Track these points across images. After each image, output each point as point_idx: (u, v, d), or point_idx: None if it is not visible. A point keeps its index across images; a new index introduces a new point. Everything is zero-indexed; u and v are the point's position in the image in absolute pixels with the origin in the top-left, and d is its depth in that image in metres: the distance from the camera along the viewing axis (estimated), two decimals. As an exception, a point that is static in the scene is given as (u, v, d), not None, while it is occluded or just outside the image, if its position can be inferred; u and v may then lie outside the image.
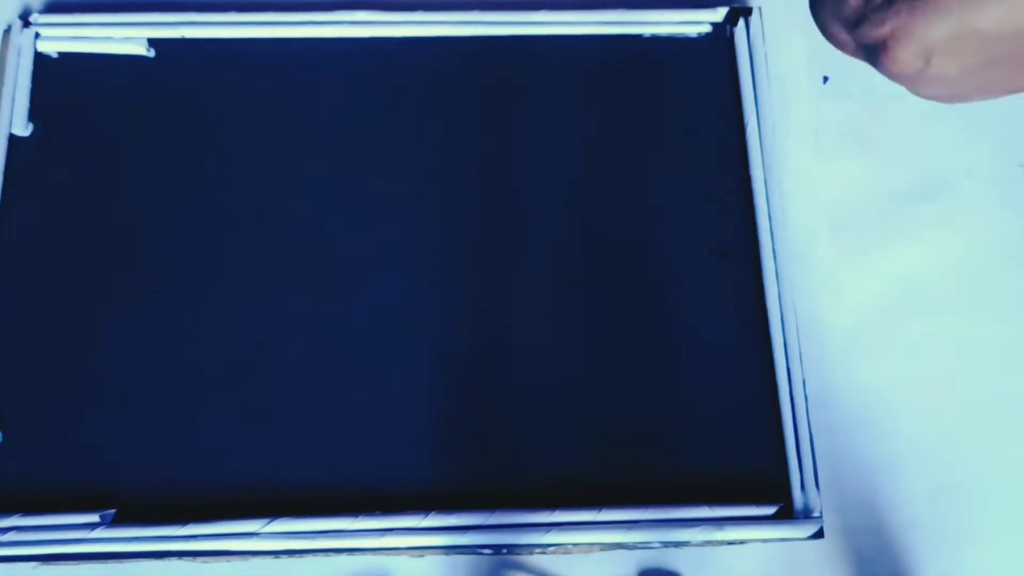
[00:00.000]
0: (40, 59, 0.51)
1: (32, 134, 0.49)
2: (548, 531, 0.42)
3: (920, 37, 0.33)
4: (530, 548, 0.43)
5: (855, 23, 0.35)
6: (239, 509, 0.43)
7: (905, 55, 0.33)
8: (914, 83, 0.35)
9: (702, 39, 0.52)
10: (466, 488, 0.44)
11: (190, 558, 0.42)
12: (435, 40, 0.52)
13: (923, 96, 0.36)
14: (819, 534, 0.43)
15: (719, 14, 0.52)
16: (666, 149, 0.50)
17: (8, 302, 0.47)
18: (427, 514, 0.43)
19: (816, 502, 0.44)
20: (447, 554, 0.43)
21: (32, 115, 0.50)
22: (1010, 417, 0.47)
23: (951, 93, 0.36)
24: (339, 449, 0.45)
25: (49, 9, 0.52)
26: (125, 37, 0.51)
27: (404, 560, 0.43)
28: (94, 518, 0.43)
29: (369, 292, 0.47)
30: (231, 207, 0.49)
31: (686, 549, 0.43)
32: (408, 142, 0.50)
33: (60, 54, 0.51)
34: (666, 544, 0.43)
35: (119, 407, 0.45)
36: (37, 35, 0.51)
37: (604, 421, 0.45)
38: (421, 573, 0.43)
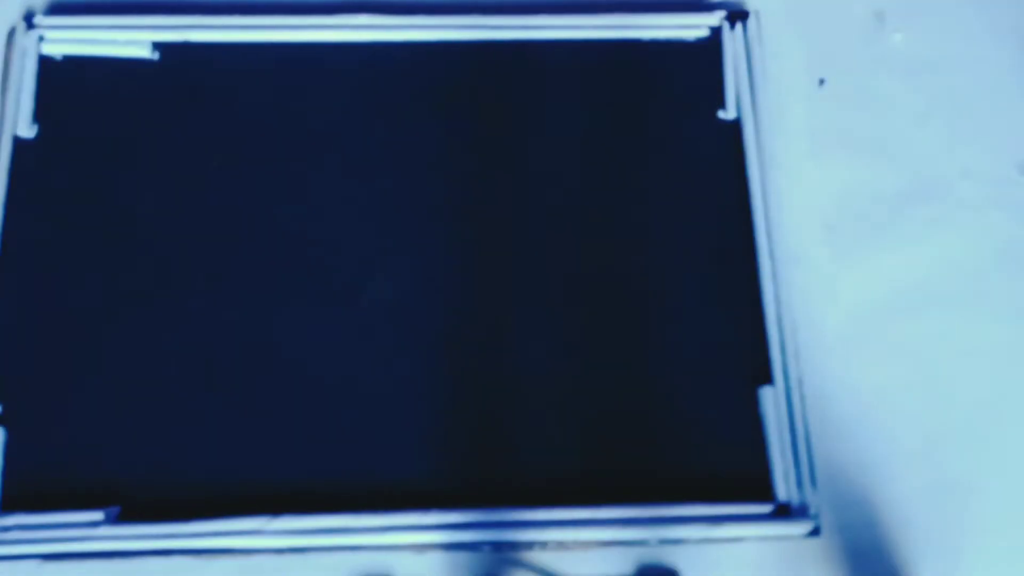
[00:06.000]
0: (44, 61, 0.51)
1: (36, 136, 0.50)
2: (547, 528, 0.43)
3: None
4: (530, 545, 0.43)
5: None
6: (243, 506, 0.43)
7: None
8: None
9: (700, 43, 0.53)
10: (467, 486, 0.44)
11: (194, 556, 0.43)
12: (437, 44, 0.52)
13: None
14: (816, 531, 0.44)
15: (717, 18, 0.52)
16: (664, 151, 0.51)
17: (13, 301, 0.47)
18: (428, 511, 0.43)
19: (813, 500, 0.44)
20: (448, 551, 0.43)
21: (36, 117, 0.50)
22: (1004, 415, 0.47)
23: None
24: (342, 448, 0.45)
25: (53, 11, 0.52)
26: (129, 40, 0.51)
27: (406, 556, 0.43)
28: (99, 516, 0.43)
29: (371, 293, 0.48)
30: (233, 208, 0.49)
31: (684, 546, 0.44)
32: (409, 144, 0.50)
33: (64, 56, 0.51)
34: (664, 541, 0.43)
35: (123, 405, 0.45)
36: (41, 37, 0.51)
37: (603, 420, 0.46)
38: (422, 569, 0.43)
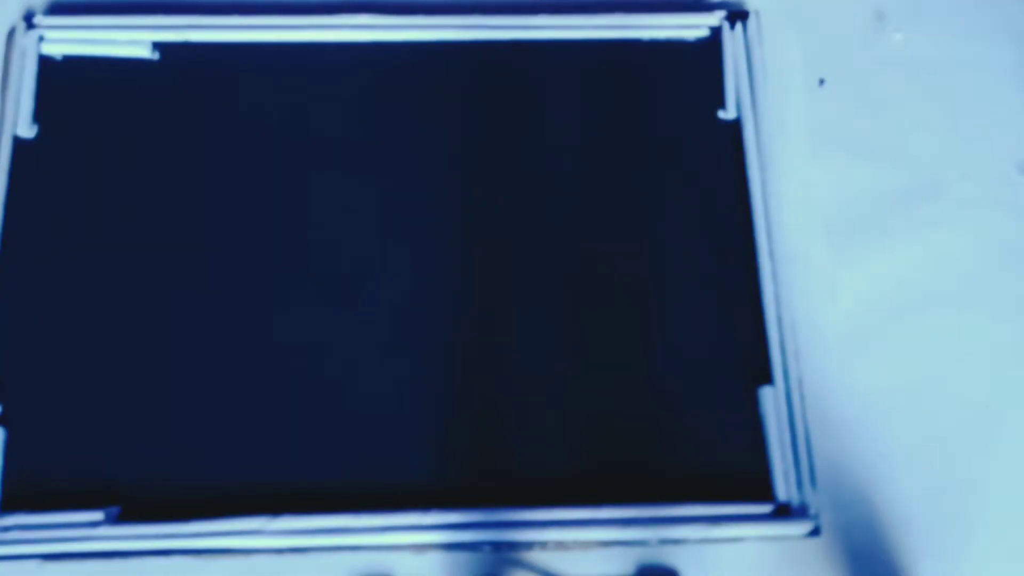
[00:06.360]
0: (44, 61, 0.51)
1: (36, 136, 0.50)
2: (547, 528, 0.43)
3: None
4: (530, 545, 0.43)
5: None
6: (243, 506, 0.43)
7: None
8: None
9: (700, 43, 0.53)
10: (467, 486, 0.44)
11: (194, 556, 0.43)
12: (437, 44, 0.52)
13: None
14: (816, 531, 0.44)
15: (716, 18, 0.53)
16: (664, 151, 0.51)
17: (13, 301, 0.47)
18: (428, 511, 0.43)
19: (812, 500, 0.44)
20: (448, 551, 0.43)
21: (36, 117, 0.50)
22: (1003, 415, 0.47)
23: None
24: (342, 448, 0.45)
25: (53, 11, 0.52)
26: (129, 40, 0.51)
27: (406, 556, 0.43)
28: (99, 516, 0.43)
29: (371, 292, 0.48)
30: (233, 207, 0.49)
31: (684, 546, 0.44)
32: (409, 144, 0.50)
33: (64, 56, 0.51)
34: (664, 541, 0.43)
35: (124, 405, 0.45)
36: (41, 37, 0.51)
37: (603, 420, 0.46)
38: (422, 569, 0.43)
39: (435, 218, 0.49)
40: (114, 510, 0.43)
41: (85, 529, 0.43)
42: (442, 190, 0.50)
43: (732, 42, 0.52)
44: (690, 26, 0.53)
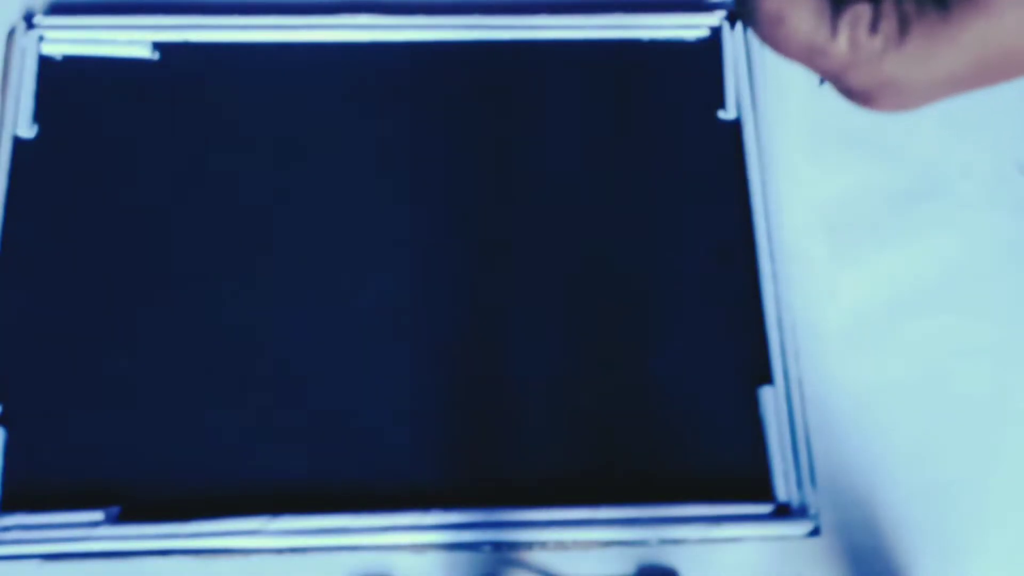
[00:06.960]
0: (44, 61, 0.51)
1: (36, 136, 0.50)
2: (547, 528, 0.43)
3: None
4: (530, 545, 0.43)
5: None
6: (243, 506, 0.43)
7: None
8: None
9: (700, 43, 0.53)
10: (466, 486, 0.44)
11: (194, 556, 0.43)
12: (437, 44, 0.52)
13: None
14: (816, 532, 0.44)
15: (716, 18, 0.53)
16: (664, 152, 0.51)
17: (13, 302, 0.47)
18: (428, 511, 0.43)
19: (812, 500, 0.44)
20: (448, 551, 0.43)
21: (36, 117, 0.50)
22: (1004, 415, 0.47)
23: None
24: (341, 447, 0.45)
25: (53, 11, 0.53)
26: (129, 40, 0.51)
27: (405, 557, 0.43)
28: (99, 516, 0.43)
29: (370, 292, 0.48)
30: (234, 209, 0.49)
31: (683, 546, 0.44)
32: (409, 145, 0.50)
33: (64, 56, 0.51)
34: (663, 542, 0.43)
35: (124, 405, 0.45)
36: (41, 37, 0.51)
37: (603, 419, 0.46)
38: (422, 570, 0.43)
39: (434, 217, 0.49)
40: (114, 510, 0.43)
41: (85, 529, 0.43)
42: (442, 190, 0.50)
43: (732, 42, 0.52)
44: (690, 26, 0.53)
